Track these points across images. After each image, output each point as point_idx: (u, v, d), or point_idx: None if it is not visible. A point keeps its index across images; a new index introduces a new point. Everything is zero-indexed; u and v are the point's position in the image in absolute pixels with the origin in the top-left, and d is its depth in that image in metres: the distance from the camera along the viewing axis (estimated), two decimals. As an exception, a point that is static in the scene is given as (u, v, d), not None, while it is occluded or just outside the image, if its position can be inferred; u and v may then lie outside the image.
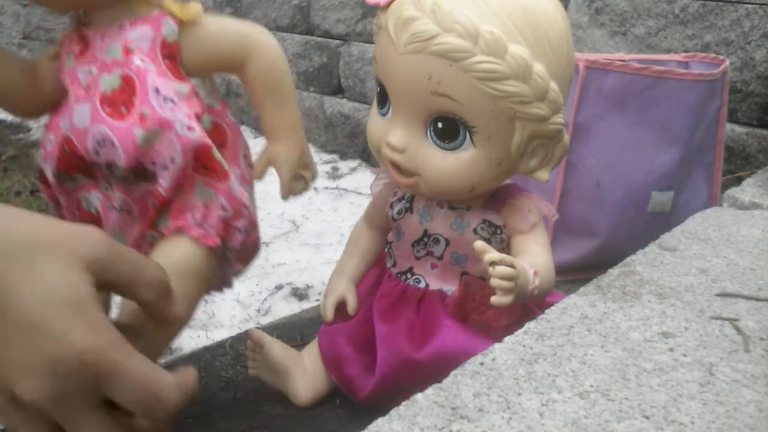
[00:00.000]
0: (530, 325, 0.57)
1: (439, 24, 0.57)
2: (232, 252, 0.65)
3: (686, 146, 1.09)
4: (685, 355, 0.52)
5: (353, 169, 2.49)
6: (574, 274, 1.06)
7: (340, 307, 0.72)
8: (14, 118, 3.01)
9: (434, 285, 0.69)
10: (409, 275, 0.70)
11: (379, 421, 0.45)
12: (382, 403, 0.54)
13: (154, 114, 0.59)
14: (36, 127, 2.99)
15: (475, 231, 0.66)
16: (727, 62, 1.13)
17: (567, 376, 0.49)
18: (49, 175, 0.64)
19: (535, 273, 0.59)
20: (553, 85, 0.59)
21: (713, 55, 1.19)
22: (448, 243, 0.68)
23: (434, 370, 0.60)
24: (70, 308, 0.42)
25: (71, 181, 0.64)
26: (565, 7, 1.68)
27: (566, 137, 0.64)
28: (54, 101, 0.65)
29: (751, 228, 0.79)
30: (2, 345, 0.41)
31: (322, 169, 2.31)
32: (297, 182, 0.68)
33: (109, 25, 0.61)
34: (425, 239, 0.69)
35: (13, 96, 0.65)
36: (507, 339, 0.55)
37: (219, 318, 1.49)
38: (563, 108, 0.62)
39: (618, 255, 0.74)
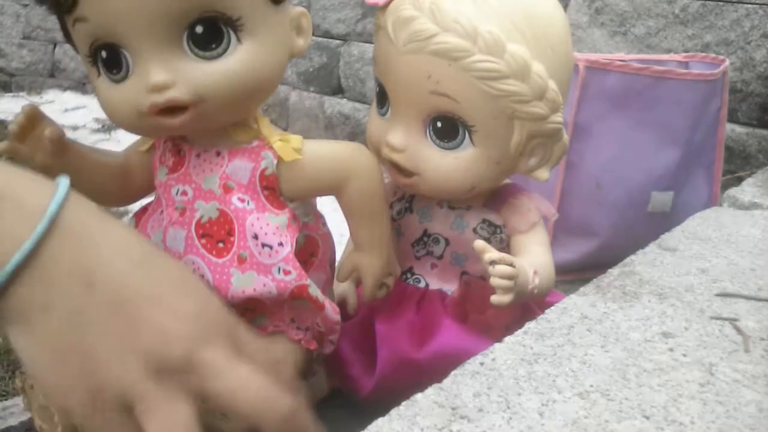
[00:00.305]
0: (530, 325, 0.57)
1: (438, 23, 0.57)
2: (321, 356, 0.66)
3: (686, 146, 1.09)
4: (685, 355, 0.52)
5: (353, 169, 2.50)
6: (574, 274, 1.06)
7: (340, 307, 0.72)
8: (14, 118, 3.01)
9: (434, 285, 0.69)
10: (408, 275, 0.70)
11: (379, 421, 0.45)
12: (383, 402, 0.54)
13: (252, 259, 0.58)
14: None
15: (474, 230, 0.66)
16: (727, 62, 1.13)
17: (567, 376, 0.49)
18: None
19: (535, 272, 0.59)
20: (552, 84, 0.59)
21: (713, 55, 1.19)
22: (447, 243, 0.68)
23: (434, 370, 0.60)
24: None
25: None
26: (565, 7, 1.68)
27: (565, 136, 0.64)
28: (141, 192, 0.66)
29: (751, 228, 0.79)
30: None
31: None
32: (380, 289, 0.68)
33: (206, 149, 0.60)
34: (425, 239, 0.69)
35: (103, 192, 0.64)
36: (507, 339, 0.55)
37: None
38: (562, 107, 0.62)
39: (618, 255, 0.74)
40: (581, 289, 0.64)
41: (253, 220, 0.59)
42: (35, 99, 3.50)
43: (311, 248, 0.64)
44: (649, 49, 1.52)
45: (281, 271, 0.58)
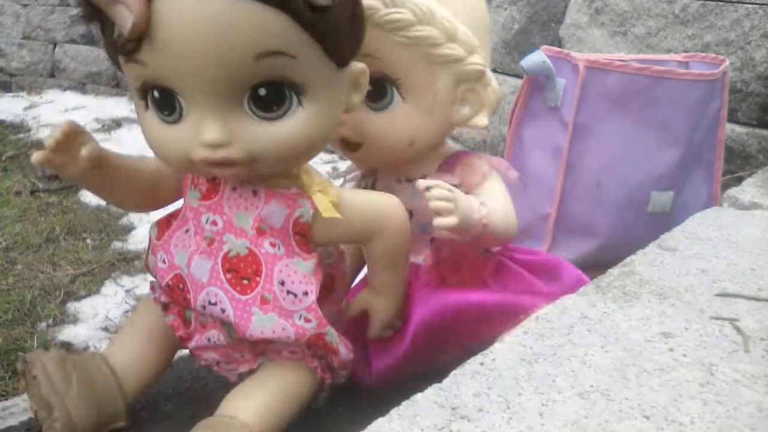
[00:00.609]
0: (530, 325, 0.57)
1: None
2: (330, 386, 0.67)
3: (686, 146, 1.09)
4: (685, 355, 0.52)
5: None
6: (574, 274, 1.06)
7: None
8: (14, 118, 3.01)
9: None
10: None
11: (379, 421, 0.45)
12: (385, 391, 0.56)
13: (275, 302, 0.59)
14: (36, 126, 2.99)
15: None
16: (727, 62, 1.13)
17: (567, 376, 0.49)
18: (157, 287, 0.67)
19: (482, 204, 0.62)
20: (463, 28, 0.63)
21: (713, 55, 1.19)
22: (412, 214, 0.69)
23: (424, 344, 0.62)
24: None
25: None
26: (565, 7, 1.68)
27: (494, 83, 0.67)
28: (167, 201, 0.67)
29: (751, 228, 0.79)
30: None
31: (323, 169, 2.31)
32: (387, 330, 0.70)
33: (242, 184, 0.59)
34: None
35: (131, 199, 0.66)
36: (507, 339, 0.55)
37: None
38: (479, 49, 0.66)
39: (618, 255, 0.74)
40: (581, 289, 0.64)
41: (282, 266, 0.59)
42: (35, 99, 3.50)
43: (330, 284, 0.65)
44: (649, 49, 1.52)
45: (302, 318, 0.59)
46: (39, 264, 1.61)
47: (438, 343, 0.65)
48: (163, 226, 0.65)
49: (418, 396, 0.47)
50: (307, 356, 0.63)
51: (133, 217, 1.91)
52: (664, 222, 1.04)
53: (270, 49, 0.49)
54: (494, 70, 1.25)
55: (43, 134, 2.83)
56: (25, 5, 3.60)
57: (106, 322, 1.37)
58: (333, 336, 0.61)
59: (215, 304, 0.60)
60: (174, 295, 0.63)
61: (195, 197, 0.62)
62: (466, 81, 0.65)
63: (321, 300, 0.61)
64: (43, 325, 1.36)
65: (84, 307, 1.43)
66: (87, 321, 1.38)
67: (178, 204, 0.66)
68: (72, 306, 1.43)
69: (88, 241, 1.77)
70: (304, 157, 0.58)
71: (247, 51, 0.49)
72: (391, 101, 0.66)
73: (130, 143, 3.13)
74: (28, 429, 0.70)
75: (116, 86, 3.79)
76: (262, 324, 0.58)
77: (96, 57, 3.75)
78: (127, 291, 1.50)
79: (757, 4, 1.38)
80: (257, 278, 0.59)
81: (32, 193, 2.11)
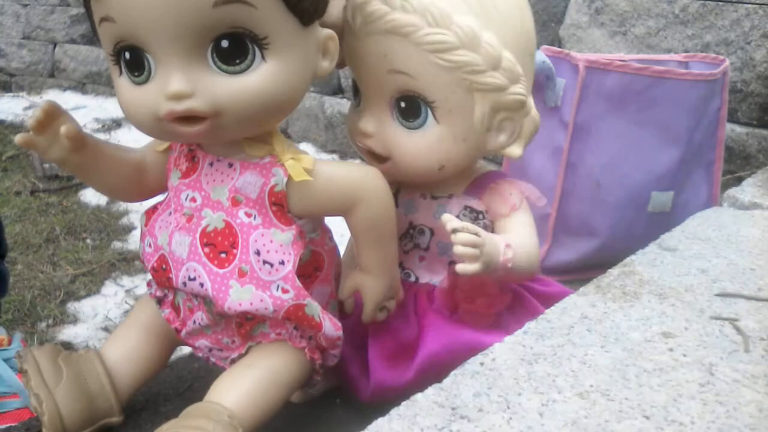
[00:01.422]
0: (530, 325, 0.57)
1: (387, 3, 0.60)
2: (323, 368, 0.66)
3: (686, 146, 1.09)
4: (685, 355, 0.52)
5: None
6: (574, 274, 1.06)
7: (339, 306, 0.73)
8: (14, 118, 3.01)
9: (423, 278, 0.70)
10: (399, 270, 0.70)
11: (379, 421, 0.45)
12: (384, 402, 0.54)
13: (252, 273, 0.58)
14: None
15: (458, 218, 0.66)
16: (727, 62, 1.13)
17: (567, 376, 0.49)
18: (153, 283, 0.67)
19: (507, 245, 0.60)
20: (507, 54, 0.61)
21: (713, 55, 1.19)
22: (432, 233, 0.69)
23: (428, 373, 0.60)
24: None
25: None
26: (565, 7, 1.68)
27: (534, 111, 0.65)
28: (156, 190, 0.66)
29: (751, 228, 0.79)
30: None
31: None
32: (380, 312, 0.68)
33: (219, 158, 0.60)
34: (411, 231, 0.70)
35: (117, 187, 0.66)
36: (507, 339, 0.55)
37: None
38: (523, 78, 0.63)
39: (618, 255, 0.74)
40: (581, 289, 0.64)
41: (257, 236, 0.59)
42: (35, 99, 3.50)
43: (316, 263, 0.64)
44: (649, 49, 1.52)
45: (280, 288, 0.58)
46: (39, 264, 1.61)
47: (442, 372, 0.62)
48: (151, 212, 0.66)
49: (418, 396, 0.47)
50: (294, 337, 0.62)
51: (133, 217, 1.91)
52: (664, 222, 1.04)
53: None
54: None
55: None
56: (25, 5, 3.60)
57: (106, 322, 1.37)
58: (314, 309, 0.60)
59: (194, 279, 0.59)
60: (158, 277, 0.63)
61: (176, 176, 0.62)
62: (505, 110, 0.63)
63: (308, 279, 0.61)
64: (43, 325, 1.36)
65: (84, 307, 1.43)
66: (87, 321, 1.38)
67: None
68: (72, 306, 1.43)
69: (88, 241, 1.77)
70: (270, 116, 0.57)
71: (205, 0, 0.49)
72: (425, 122, 0.63)
73: (130, 143, 3.12)
74: (28, 429, 0.70)
75: (116, 86, 3.80)
76: (239, 296, 0.58)
77: (96, 57, 3.75)
78: (127, 291, 1.50)
79: (757, 4, 1.38)
80: (234, 250, 0.59)
81: (32, 193, 2.11)
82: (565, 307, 0.60)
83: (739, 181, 1.13)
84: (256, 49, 0.53)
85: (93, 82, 3.79)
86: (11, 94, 3.50)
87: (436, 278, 0.69)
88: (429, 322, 0.67)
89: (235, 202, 0.59)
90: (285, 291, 0.58)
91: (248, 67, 0.53)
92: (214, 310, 0.60)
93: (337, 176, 0.61)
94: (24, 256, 1.63)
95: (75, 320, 1.39)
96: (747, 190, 0.96)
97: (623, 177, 1.08)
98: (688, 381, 0.49)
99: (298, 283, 0.58)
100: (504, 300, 0.66)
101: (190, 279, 0.60)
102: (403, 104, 0.62)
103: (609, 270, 0.68)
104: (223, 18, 0.51)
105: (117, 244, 1.76)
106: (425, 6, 0.58)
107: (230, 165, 0.60)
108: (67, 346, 1.32)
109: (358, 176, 0.61)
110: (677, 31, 1.48)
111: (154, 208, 0.66)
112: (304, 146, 3.22)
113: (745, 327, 0.56)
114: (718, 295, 0.62)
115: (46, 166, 2.38)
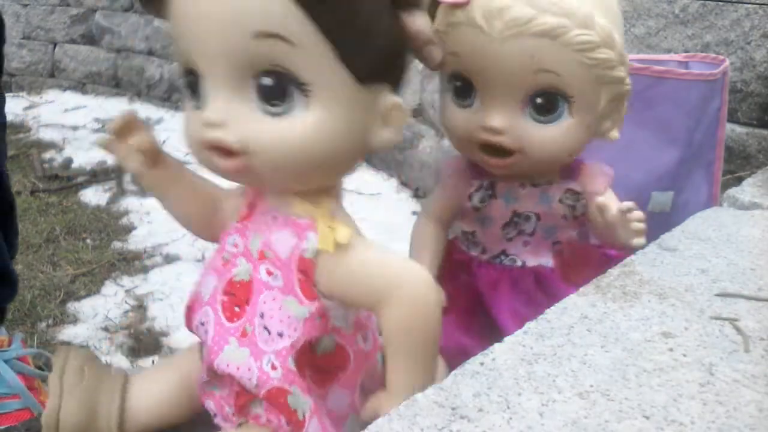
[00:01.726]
0: (530, 325, 0.57)
1: (534, 6, 0.62)
2: None
3: (686, 146, 1.09)
4: (685, 355, 0.52)
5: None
6: (574, 274, 1.06)
7: None
8: (14, 118, 3.01)
9: (530, 261, 0.75)
10: (503, 257, 0.75)
11: (380, 421, 0.45)
12: None
13: (253, 337, 0.54)
14: (36, 126, 2.98)
15: (561, 201, 0.74)
16: (727, 62, 1.13)
17: (567, 376, 0.49)
18: None
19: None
20: (623, 49, 0.67)
21: (713, 55, 1.19)
22: (539, 218, 0.74)
23: None
24: None
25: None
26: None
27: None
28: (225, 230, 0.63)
29: (751, 228, 0.79)
30: None
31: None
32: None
33: (269, 209, 0.57)
34: (515, 219, 0.74)
35: (190, 217, 0.64)
36: (507, 339, 0.55)
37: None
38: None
39: (618, 255, 0.74)
40: (581, 289, 0.64)
41: (268, 297, 0.55)
42: (35, 99, 3.49)
43: (340, 361, 0.58)
44: (649, 49, 1.51)
45: (270, 363, 0.54)
46: (39, 264, 1.60)
47: None
48: None
49: (418, 396, 0.47)
50: (282, 427, 0.56)
51: (133, 217, 1.91)
52: (664, 222, 1.04)
53: (268, 30, 0.48)
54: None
55: (43, 134, 2.83)
56: (25, 5, 3.60)
57: (106, 322, 1.37)
58: (301, 403, 0.53)
59: (204, 324, 0.58)
60: (186, 320, 0.62)
61: (234, 220, 0.60)
62: (619, 98, 0.69)
63: (327, 375, 0.56)
64: (43, 325, 1.36)
65: (84, 307, 1.43)
66: (87, 321, 1.38)
67: None
68: (72, 306, 1.43)
69: (88, 241, 1.77)
70: (307, 171, 0.53)
71: (246, 27, 0.48)
72: (560, 116, 0.67)
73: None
74: (28, 429, 0.70)
75: (116, 86, 3.79)
76: (230, 356, 0.55)
77: (96, 57, 3.75)
78: (127, 291, 1.50)
79: (757, 4, 1.37)
80: (246, 307, 0.56)
81: (32, 193, 2.11)
82: (565, 307, 0.60)
83: (739, 181, 1.13)
84: (298, 94, 0.50)
85: (93, 82, 3.79)
86: (11, 94, 3.50)
87: (543, 259, 0.75)
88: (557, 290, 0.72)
89: (261, 257, 0.56)
90: (273, 368, 0.53)
91: (286, 111, 0.50)
92: (205, 360, 0.58)
93: (372, 261, 0.54)
94: (24, 256, 1.63)
95: (75, 320, 1.39)
96: (747, 190, 0.96)
97: (623, 177, 1.07)
98: (688, 381, 0.49)
99: (291, 365, 0.53)
100: (604, 266, 0.71)
101: (201, 324, 0.58)
102: (539, 100, 0.66)
103: (609, 270, 0.68)
104: (265, 53, 0.49)
105: (117, 244, 1.76)
106: (571, 9, 0.62)
107: (274, 217, 0.56)
108: (67, 346, 1.32)
109: (397, 269, 0.55)
110: (677, 31, 1.48)
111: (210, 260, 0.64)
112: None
113: (745, 327, 0.56)
114: (718, 295, 0.62)
115: (46, 166, 2.37)
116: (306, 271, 0.54)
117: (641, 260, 0.69)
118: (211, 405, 0.61)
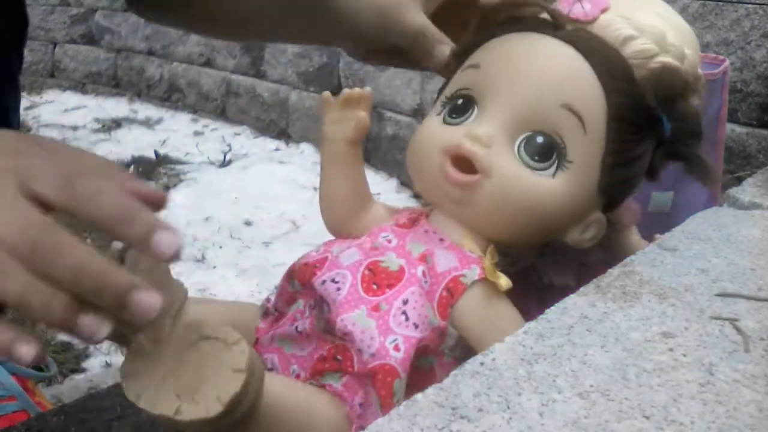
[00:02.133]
0: (530, 325, 0.57)
1: (658, 44, 0.65)
2: None
3: (686, 146, 1.09)
4: (685, 355, 0.52)
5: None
6: (574, 274, 1.06)
7: None
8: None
9: (556, 280, 0.73)
10: (531, 272, 0.74)
11: (380, 421, 0.45)
12: None
13: (385, 315, 0.57)
14: (36, 126, 2.98)
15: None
16: (727, 62, 1.13)
17: (567, 376, 0.49)
18: (273, 295, 0.68)
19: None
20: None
21: (713, 55, 1.19)
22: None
23: None
24: None
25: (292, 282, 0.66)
26: (565, 7, 1.68)
27: None
28: (359, 233, 0.67)
29: (751, 228, 0.79)
30: None
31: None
32: None
33: (435, 230, 0.62)
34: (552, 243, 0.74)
35: (340, 210, 0.68)
36: (507, 339, 0.55)
37: (219, 318, 1.49)
38: None
39: (618, 255, 0.74)
40: (581, 289, 0.64)
41: (416, 291, 0.58)
42: (35, 99, 3.49)
43: (423, 382, 0.56)
44: (649, 49, 1.51)
45: (393, 343, 0.56)
46: (39, 264, 1.60)
47: None
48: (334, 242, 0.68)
49: (418, 396, 0.47)
50: (354, 407, 0.58)
51: (133, 217, 1.91)
52: (664, 222, 1.04)
53: (575, 108, 0.56)
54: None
55: (43, 134, 2.83)
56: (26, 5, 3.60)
57: (106, 322, 1.37)
58: (400, 392, 0.56)
59: (336, 282, 0.60)
60: (303, 270, 0.63)
61: (388, 223, 0.64)
62: None
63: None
64: (43, 324, 1.35)
65: (84, 307, 1.43)
66: (87, 321, 1.38)
67: None
68: (72, 306, 1.43)
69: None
70: (511, 224, 0.59)
71: (560, 96, 0.56)
72: None
73: (130, 143, 3.12)
74: (28, 429, 0.70)
75: (116, 86, 3.79)
76: (356, 319, 0.57)
77: (96, 57, 3.75)
78: (127, 291, 1.50)
79: (757, 4, 1.37)
80: (387, 290, 0.59)
81: (32, 193, 2.10)
82: (565, 307, 0.60)
83: (739, 181, 1.13)
84: (557, 164, 0.57)
85: (93, 82, 3.79)
86: (11, 94, 3.49)
87: (567, 280, 0.74)
88: None
89: (422, 259, 0.60)
90: (397, 348, 0.56)
91: (539, 169, 0.57)
92: (323, 320, 0.59)
93: (509, 318, 0.60)
94: (24, 256, 1.63)
95: (75, 320, 1.38)
96: (747, 190, 0.96)
97: (623, 177, 1.07)
98: (688, 381, 0.49)
99: (411, 354, 0.56)
100: None
101: (333, 281, 0.60)
102: None
103: (609, 270, 0.67)
104: (557, 121, 0.56)
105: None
106: (683, 53, 0.65)
107: (442, 240, 0.61)
108: (67, 346, 1.32)
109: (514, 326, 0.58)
110: (677, 31, 1.48)
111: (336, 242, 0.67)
112: (304, 146, 3.22)
113: (745, 327, 0.56)
114: (718, 295, 0.62)
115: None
116: (452, 291, 0.58)
117: (641, 260, 0.69)
118: (274, 359, 0.63)
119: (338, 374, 0.59)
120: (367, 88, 0.66)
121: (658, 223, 1.06)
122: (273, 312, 0.67)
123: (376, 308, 0.58)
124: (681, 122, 0.63)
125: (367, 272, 0.60)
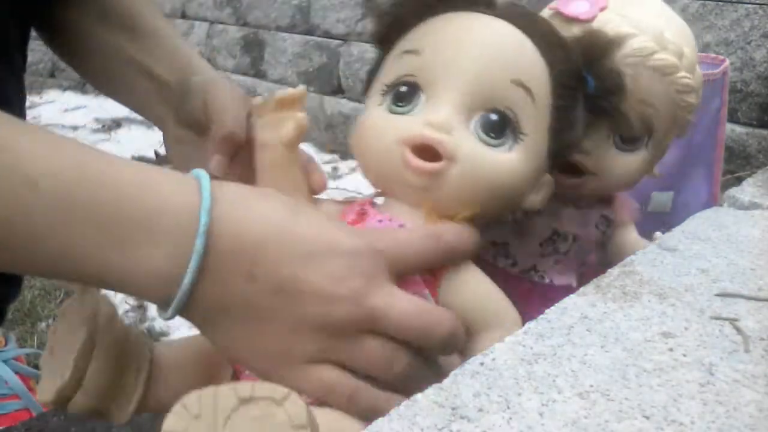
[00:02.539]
0: (530, 325, 0.57)
1: (657, 43, 0.65)
2: None
3: (686, 146, 1.09)
4: (685, 355, 0.52)
5: (353, 169, 2.50)
6: (574, 274, 1.06)
7: None
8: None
9: (557, 280, 0.74)
10: (533, 272, 0.74)
11: (379, 421, 0.45)
12: None
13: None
14: (36, 127, 2.98)
15: (596, 226, 0.75)
16: (727, 62, 1.13)
17: (567, 376, 0.49)
18: None
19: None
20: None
21: (713, 55, 1.19)
22: (575, 239, 0.73)
23: None
24: None
25: None
26: (565, 7, 1.68)
27: None
28: None
29: (751, 228, 0.79)
30: None
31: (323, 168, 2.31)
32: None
33: (390, 218, 0.61)
34: (554, 237, 0.74)
35: None
36: (507, 339, 0.55)
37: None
38: None
39: (618, 255, 0.75)
40: (581, 289, 0.64)
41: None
42: (35, 99, 3.49)
43: None
44: (649, 49, 1.51)
45: None
46: (39, 264, 1.60)
47: None
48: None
49: (418, 396, 0.47)
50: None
51: (133, 217, 1.91)
52: (664, 222, 1.04)
53: (524, 82, 0.56)
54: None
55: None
56: (25, 5, 3.60)
57: (106, 322, 1.37)
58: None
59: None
60: None
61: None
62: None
63: None
64: (43, 325, 1.36)
65: (84, 307, 1.43)
66: (87, 321, 1.38)
67: None
68: (72, 306, 1.43)
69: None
70: (476, 204, 0.58)
71: (508, 73, 0.56)
72: (641, 147, 0.70)
73: (130, 143, 3.12)
74: (28, 429, 0.70)
75: (116, 86, 3.79)
76: None
77: (96, 57, 3.75)
78: (127, 291, 1.50)
79: (757, 4, 1.38)
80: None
81: (32, 193, 2.10)
82: (565, 307, 0.60)
83: (739, 181, 1.13)
84: (513, 138, 0.57)
85: (93, 82, 3.79)
86: (11, 94, 3.49)
87: (569, 280, 0.75)
88: None
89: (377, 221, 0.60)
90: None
91: (497, 145, 0.57)
92: None
93: (483, 287, 0.60)
94: (24, 256, 1.63)
95: (75, 320, 1.39)
96: (747, 190, 0.96)
97: (623, 177, 1.08)
98: (688, 381, 0.49)
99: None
100: None
101: None
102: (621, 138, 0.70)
103: (609, 270, 0.67)
104: (507, 96, 0.56)
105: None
106: (682, 51, 0.65)
107: (401, 226, 0.59)
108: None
109: (502, 301, 0.60)
110: (677, 31, 1.48)
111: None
112: (304, 146, 3.21)
113: (745, 327, 0.56)
114: (718, 295, 0.62)
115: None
116: (434, 272, 0.58)
117: (641, 260, 0.69)
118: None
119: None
120: (301, 87, 0.65)
121: (658, 223, 1.06)
122: None
123: None
124: (603, 80, 0.62)
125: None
